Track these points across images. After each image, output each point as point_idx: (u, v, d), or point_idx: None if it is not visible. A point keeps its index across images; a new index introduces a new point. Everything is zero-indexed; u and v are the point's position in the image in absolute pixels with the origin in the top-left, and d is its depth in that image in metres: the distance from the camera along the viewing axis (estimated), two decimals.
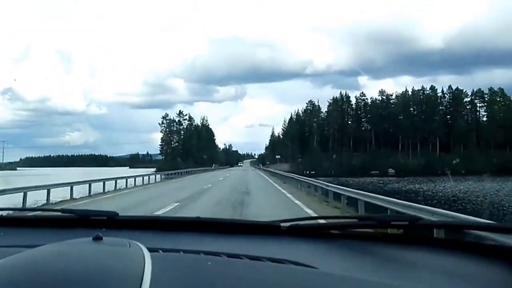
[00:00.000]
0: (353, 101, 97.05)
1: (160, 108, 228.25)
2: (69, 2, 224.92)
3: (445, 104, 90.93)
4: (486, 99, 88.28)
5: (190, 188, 20.75)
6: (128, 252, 0.70)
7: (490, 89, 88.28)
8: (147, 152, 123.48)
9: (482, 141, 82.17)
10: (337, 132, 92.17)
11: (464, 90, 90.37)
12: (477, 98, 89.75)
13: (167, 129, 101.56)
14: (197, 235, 1.23)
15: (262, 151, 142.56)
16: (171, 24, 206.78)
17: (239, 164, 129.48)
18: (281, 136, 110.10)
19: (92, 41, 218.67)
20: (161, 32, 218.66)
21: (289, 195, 16.29)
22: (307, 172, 71.02)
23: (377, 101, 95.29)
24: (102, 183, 18.61)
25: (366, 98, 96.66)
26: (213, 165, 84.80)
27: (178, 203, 12.69)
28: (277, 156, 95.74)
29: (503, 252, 0.99)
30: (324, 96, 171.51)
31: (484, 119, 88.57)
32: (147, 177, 27.86)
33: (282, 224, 1.26)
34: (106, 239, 0.75)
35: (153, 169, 69.60)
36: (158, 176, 33.43)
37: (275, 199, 15.67)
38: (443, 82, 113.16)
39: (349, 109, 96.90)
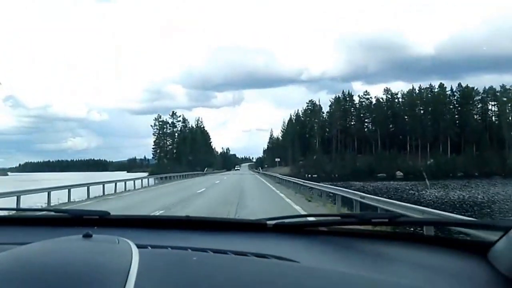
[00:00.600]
0: (356, 100, 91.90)
1: (160, 114, 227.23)
2: (71, 10, 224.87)
3: (454, 102, 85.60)
4: (498, 96, 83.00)
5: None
6: (116, 248, 0.72)
7: (502, 86, 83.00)
8: (144, 157, 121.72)
9: (495, 141, 76.76)
10: (340, 132, 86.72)
11: (475, 88, 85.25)
12: (488, 96, 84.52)
13: (160, 132, 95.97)
14: (185, 233, 1.29)
15: (260, 155, 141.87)
16: (170, 31, 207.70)
17: (235, 168, 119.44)
18: (280, 138, 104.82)
19: (93, 48, 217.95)
20: (161, 39, 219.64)
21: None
22: (309, 175, 67.43)
23: (382, 100, 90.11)
24: (86, 188, 17.20)
25: (371, 97, 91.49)
26: (205, 169, 70.84)
27: None
28: (276, 159, 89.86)
29: (479, 246, 1.03)
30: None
31: (495, 118, 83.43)
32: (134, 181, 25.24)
33: (268, 222, 1.30)
34: (95, 236, 0.77)
35: (146, 174, 64.24)
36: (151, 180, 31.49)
37: None
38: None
39: (352, 108, 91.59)
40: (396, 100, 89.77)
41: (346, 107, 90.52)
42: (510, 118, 79.74)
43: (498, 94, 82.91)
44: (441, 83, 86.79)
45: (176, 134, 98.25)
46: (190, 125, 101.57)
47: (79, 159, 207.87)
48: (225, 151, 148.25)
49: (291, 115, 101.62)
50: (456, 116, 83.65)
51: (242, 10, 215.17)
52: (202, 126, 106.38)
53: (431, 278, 0.91)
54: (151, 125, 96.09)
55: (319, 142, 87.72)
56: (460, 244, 1.11)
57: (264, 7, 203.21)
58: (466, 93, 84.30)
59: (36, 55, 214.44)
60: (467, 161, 73.83)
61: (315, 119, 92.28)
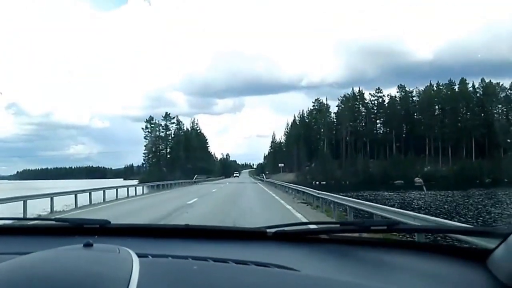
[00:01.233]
0: (367, 98, 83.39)
1: (151, 116, 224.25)
2: (73, 17, 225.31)
3: (475, 100, 76.89)
4: None
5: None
6: (117, 257, 0.73)
7: None
8: (142, 163, 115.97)
9: None
10: (350, 134, 78.19)
11: (500, 84, 76.50)
12: None
13: (152, 135, 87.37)
14: (186, 242, 1.32)
15: (260, 160, 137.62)
16: (171, 38, 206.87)
17: (234, 175, 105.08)
18: (283, 142, 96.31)
19: (95, 55, 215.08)
20: (162, 46, 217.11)
21: None
22: (317, 182, 59.76)
23: (396, 98, 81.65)
24: (74, 195, 16.16)
25: (383, 95, 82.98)
26: (195, 176, 59.24)
27: None
28: (280, 165, 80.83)
29: (478, 253, 1.04)
30: None
31: None
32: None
33: (268, 230, 1.32)
34: (96, 246, 0.78)
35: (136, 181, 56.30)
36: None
37: None
38: None
39: (363, 108, 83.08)
40: (411, 99, 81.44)
41: (355, 106, 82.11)
42: None
43: None
44: (463, 78, 78.20)
45: (169, 138, 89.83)
46: (185, 128, 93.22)
47: (78, 166, 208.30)
48: (225, 157, 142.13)
49: (295, 116, 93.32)
50: (482, 115, 74.85)
51: (242, 17, 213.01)
52: (198, 129, 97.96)
53: (431, 285, 0.91)
54: (142, 128, 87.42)
55: (326, 145, 79.26)
56: (459, 251, 1.12)
57: (265, 14, 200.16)
58: (490, 90, 75.69)
59: (39, 63, 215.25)
60: (494, 166, 65.34)
61: (322, 120, 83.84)
